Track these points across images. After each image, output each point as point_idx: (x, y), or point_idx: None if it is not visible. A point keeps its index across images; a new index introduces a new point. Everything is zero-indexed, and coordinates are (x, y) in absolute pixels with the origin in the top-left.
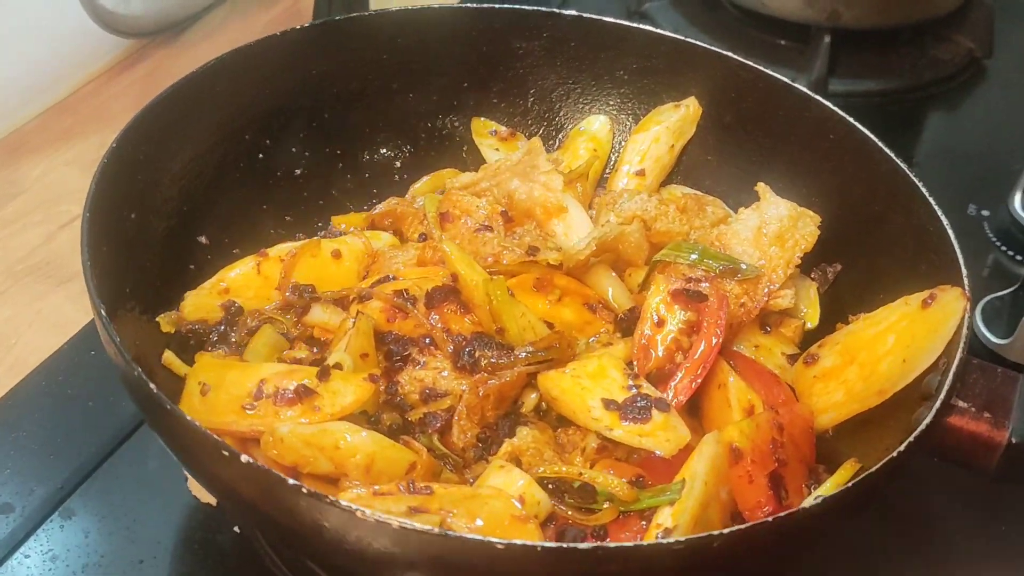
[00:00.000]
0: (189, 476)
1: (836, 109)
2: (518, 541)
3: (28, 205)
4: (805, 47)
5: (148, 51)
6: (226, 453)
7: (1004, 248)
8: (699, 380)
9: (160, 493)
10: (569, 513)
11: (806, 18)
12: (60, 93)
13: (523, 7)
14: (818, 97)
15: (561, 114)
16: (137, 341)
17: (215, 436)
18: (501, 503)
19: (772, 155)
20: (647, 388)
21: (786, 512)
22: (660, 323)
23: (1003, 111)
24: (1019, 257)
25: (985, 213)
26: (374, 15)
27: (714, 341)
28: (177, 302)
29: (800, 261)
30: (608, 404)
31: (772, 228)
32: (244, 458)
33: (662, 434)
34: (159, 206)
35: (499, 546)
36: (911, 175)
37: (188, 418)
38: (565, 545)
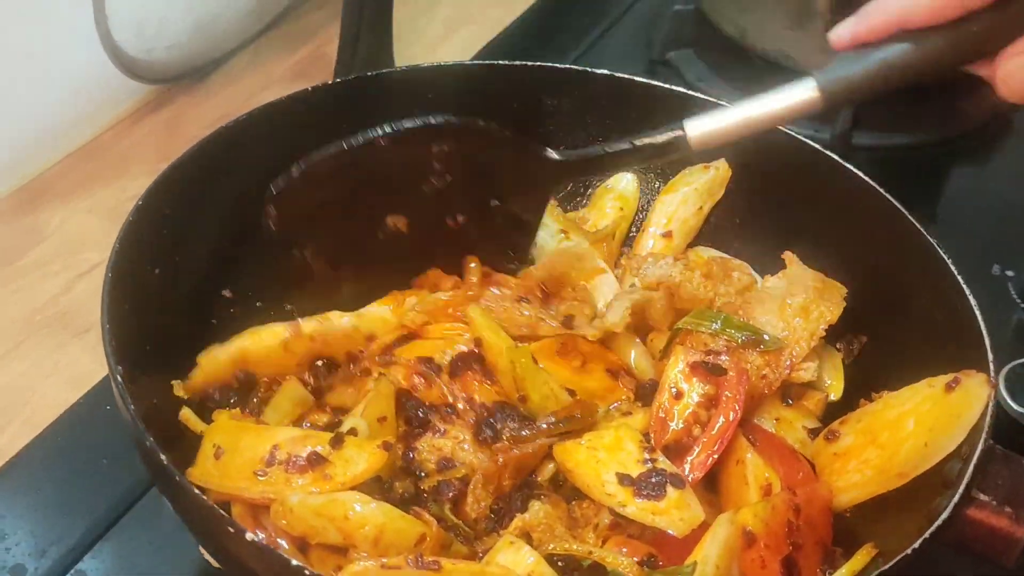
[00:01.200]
0: None
1: (866, 178)
2: None
3: (48, 254)
4: None
5: (170, 96)
6: (231, 529)
7: None
8: (716, 456)
9: (173, 555)
10: None
11: None
12: (82, 139)
13: (554, 65)
14: (848, 165)
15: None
16: (155, 399)
17: (220, 511)
18: None
19: (800, 221)
20: (663, 463)
21: None
22: (678, 395)
23: None
24: None
25: (1010, 273)
26: (402, 71)
27: (732, 416)
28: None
29: (824, 333)
30: (623, 479)
31: (797, 299)
32: (249, 536)
33: (676, 512)
34: (183, 262)
35: None
36: (941, 252)
37: (195, 491)
38: None
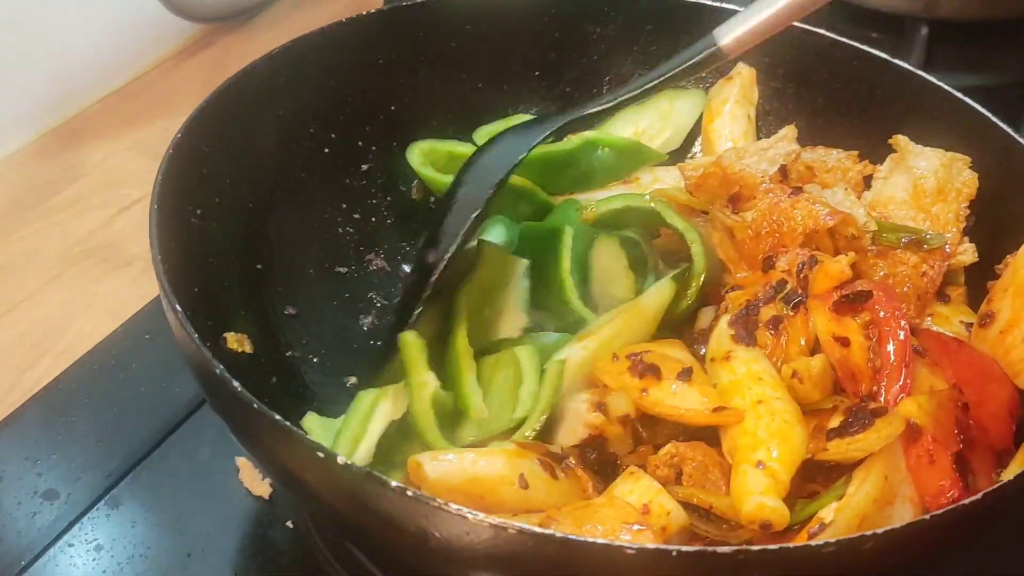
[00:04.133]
0: (241, 468)
1: (943, 85)
2: (650, 545)
3: (88, 189)
4: (900, 40)
5: (216, 36)
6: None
7: None
8: (909, 382)
9: (211, 484)
10: (709, 531)
11: (901, 8)
12: (126, 77)
13: None
14: (922, 73)
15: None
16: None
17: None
18: (613, 511)
19: (869, 136)
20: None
21: (946, 509)
22: (845, 342)
23: None
24: None
25: None
26: (436, 1)
27: (902, 335)
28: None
29: (968, 211)
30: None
31: (929, 183)
32: (341, 459)
33: (882, 429)
34: (225, 201)
35: (628, 551)
36: None
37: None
38: (702, 549)
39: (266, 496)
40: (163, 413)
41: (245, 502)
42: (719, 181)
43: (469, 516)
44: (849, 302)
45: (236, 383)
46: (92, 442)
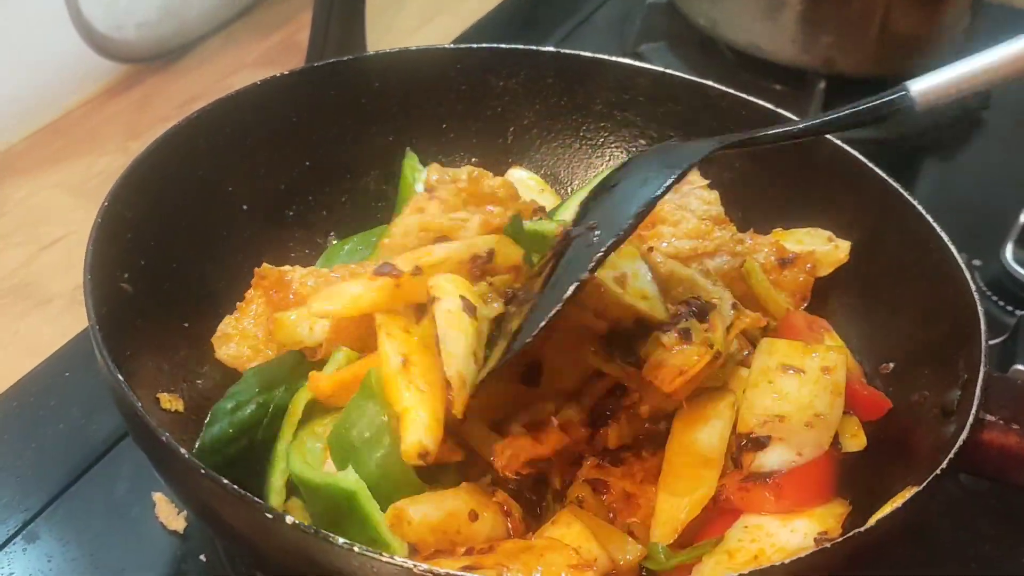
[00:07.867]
0: (158, 503)
1: (835, 139)
2: None
3: (9, 227)
4: (800, 92)
5: (141, 76)
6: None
7: (995, 298)
8: None
9: (127, 520)
10: None
11: (801, 63)
12: (50, 115)
13: (500, 45)
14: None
15: (542, 151)
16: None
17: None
18: (557, 554)
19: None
20: None
21: (833, 543)
22: None
23: (998, 163)
24: (1009, 307)
25: (977, 263)
26: (374, 57)
27: None
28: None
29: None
30: None
31: None
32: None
33: None
34: (150, 263)
35: None
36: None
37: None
38: None
39: (180, 531)
40: (81, 450)
41: (160, 537)
42: None
43: (414, 568)
44: None
45: (183, 451)
46: (10, 477)
